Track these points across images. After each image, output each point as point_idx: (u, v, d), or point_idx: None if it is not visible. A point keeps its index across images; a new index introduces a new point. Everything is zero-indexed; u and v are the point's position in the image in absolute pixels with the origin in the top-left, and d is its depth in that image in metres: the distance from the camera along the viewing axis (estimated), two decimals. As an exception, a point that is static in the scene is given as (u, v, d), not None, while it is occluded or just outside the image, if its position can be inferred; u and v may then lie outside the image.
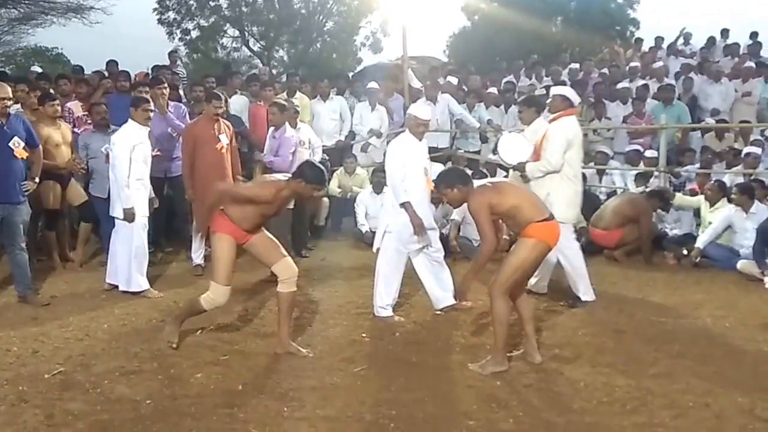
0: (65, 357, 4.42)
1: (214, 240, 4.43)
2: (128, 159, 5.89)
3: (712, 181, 7.62)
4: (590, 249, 7.68)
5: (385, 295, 5.34)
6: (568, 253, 5.60)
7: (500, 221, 4.43)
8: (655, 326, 5.01)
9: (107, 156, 6.79)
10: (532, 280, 5.19)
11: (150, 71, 9.81)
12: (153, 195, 6.37)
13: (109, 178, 6.63)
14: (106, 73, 9.52)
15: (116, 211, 6.02)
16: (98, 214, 7.05)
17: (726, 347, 4.55)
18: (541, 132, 5.74)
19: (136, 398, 3.78)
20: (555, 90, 6.02)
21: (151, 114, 6.18)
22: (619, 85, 10.50)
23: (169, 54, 12.50)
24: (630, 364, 4.30)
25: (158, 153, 6.70)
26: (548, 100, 5.93)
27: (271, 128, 7.19)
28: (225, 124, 6.92)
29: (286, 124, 7.02)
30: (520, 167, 5.76)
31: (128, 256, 5.97)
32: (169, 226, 7.76)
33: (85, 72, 9.93)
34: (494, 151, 5.98)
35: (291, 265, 4.54)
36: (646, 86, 10.32)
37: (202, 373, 4.16)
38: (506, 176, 8.68)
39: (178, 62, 12.61)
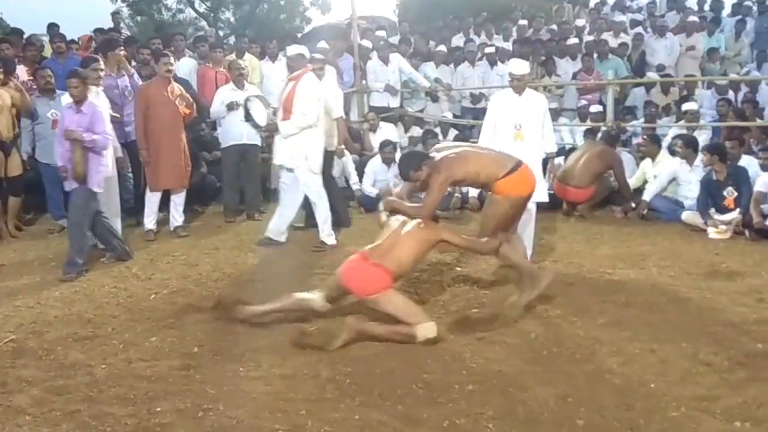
0: (16, 325, 4.35)
1: (385, 299, 4.02)
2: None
3: (644, 137, 7.80)
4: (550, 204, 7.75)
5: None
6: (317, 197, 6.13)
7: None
8: (603, 277, 5.16)
9: (54, 122, 6.66)
10: None
11: (93, 35, 9.50)
12: (120, 154, 6.34)
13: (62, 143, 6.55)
14: (48, 37, 9.20)
15: None
16: (45, 180, 6.91)
17: (671, 296, 4.70)
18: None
19: (90, 363, 3.76)
20: (293, 50, 6.18)
21: (102, 74, 6.17)
22: (569, 41, 10.57)
23: (113, 15, 12.09)
24: (579, 314, 4.41)
25: (116, 115, 6.57)
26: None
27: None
28: (179, 87, 6.82)
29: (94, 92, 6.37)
30: (272, 128, 6.07)
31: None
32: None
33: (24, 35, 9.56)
34: (246, 117, 6.21)
35: None
36: (594, 42, 10.42)
37: (156, 336, 4.15)
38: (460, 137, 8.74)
39: (122, 24, 12.20)
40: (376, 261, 4.06)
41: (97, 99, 5.99)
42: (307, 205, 6.52)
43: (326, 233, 6.19)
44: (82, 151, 5.45)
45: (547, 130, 5.70)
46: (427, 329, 3.95)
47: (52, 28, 9.40)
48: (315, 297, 4.25)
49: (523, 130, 5.46)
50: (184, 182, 6.83)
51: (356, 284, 4.09)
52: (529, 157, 5.22)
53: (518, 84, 5.52)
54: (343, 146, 7.25)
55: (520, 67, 5.56)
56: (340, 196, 7.27)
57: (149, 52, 8.11)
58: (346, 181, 8.41)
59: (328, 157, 6.89)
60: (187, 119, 6.83)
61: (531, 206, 5.32)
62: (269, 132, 6.25)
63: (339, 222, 6.85)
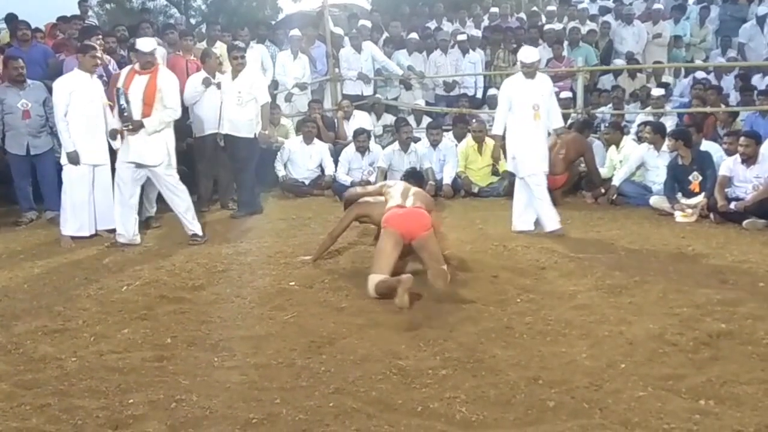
0: (-17, 319, 4.29)
1: (432, 236, 4.65)
2: (64, 104, 6.01)
3: (607, 124, 7.90)
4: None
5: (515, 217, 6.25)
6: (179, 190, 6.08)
7: None
8: (574, 261, 5.20)
9: (24, 112, 6.57)
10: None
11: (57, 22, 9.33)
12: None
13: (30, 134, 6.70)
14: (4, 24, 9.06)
15: (63, 158, 6.17)
16: (14, 171, 6.81)
17: (639, 278, 4.76)
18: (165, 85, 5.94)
19: (60, 356, 3.72)
20: (150, 44, 5.98)
21: (98, 61, 6.32)
22: (546, 27, 10.64)
23: (79, 3, 11.86)
24: (550, 298, 4.48)
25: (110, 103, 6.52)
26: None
27: None
28: None
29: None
30: (137, 125, 5.82)
31: (84, 201, 6.18)
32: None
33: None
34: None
35: None
36: (564, 29, 10.48)
37: (129, 328, 4.12)
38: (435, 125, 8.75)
39: (90, 12, 11.96)
40: (415, 206, 4.70)
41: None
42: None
43: (192, 222, 6.12)
44: None
45: (554, 108, 6.30)
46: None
47: (11, 17, 9.23)
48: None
49: (540, 110, 6.04)
50: None
51: (416, 225, 4.58)
52: (542, 134, 6.16)
53: (529, 71, 6.04)
54: (266, 131, 7.34)
55: (530, 55, 6.07)
56: (252, 181, 7.44)
57: (114, 40, 8.01)
58: (322, 170, 8.40)
59: (254, 142, 7.15)
60: None
61: (532, 180, 6.07)
62: (134, 129, 5.86)
63: (252, 207, 7.28)
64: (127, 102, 5.79)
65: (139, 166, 5.93)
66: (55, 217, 6.62)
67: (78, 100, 6.07)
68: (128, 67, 6.14)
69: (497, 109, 6.31)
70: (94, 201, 6.26)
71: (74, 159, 6.09)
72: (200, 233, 6.11)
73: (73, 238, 6.15)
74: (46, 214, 6.84)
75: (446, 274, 4.50)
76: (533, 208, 6.16)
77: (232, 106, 7.00)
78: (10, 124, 6.69)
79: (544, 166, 6.15)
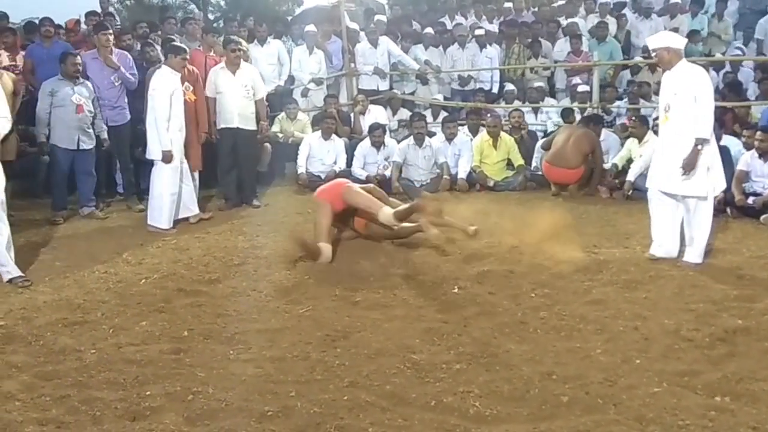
0: (5, 311, 4.35)
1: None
2: (168, 104, 6.20)
3: (634, 118, 7.85)
4: (538, 184, 7.88)
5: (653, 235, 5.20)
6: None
7: None
8: (589, 256, 5.18)
9: (78, 106, 6.60)
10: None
11: (83, 18, 9.40)
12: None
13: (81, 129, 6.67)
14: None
15: (153, 153, 6.36)
16: (56, 166, 6.75)
17: (654, 273, 4.75)
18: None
19: (80, 348, 3.77)
20: None
21: (186, 63, 6.54)
22: (569, 20, 10.59)
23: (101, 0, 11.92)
24: (565, 293, 4.47)
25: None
26: None
27: None
28: (189, 71, 6.89)
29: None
30: None
31: (166, 195, 6.37)
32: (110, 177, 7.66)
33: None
34: None
35: None
36: (574, 23, 10.42)
37: (147, 321, 4.17)
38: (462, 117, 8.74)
39: (111, 9, 12.04)
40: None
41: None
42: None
43: (8, 258, 4.91)
44: None
45: (701, 109, 4.76)
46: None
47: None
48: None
49: (671, 111, 4.90)
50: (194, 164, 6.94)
51: (332, 186, 5.52)
52: (671, 142, 4.90)
53: (657, 59, 5.06)
54: (265, 122, 7.48)
55: (653, 40, 5.07)
56: (253, 175, 7.62)
57: (129, 37, 8.06)
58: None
59: (252, 135, 7.29)
60: (198, 105, 7.01)
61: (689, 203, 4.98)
62: None
63: (247, 200, 7.35)
64: None
65: None
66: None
67: (176, 100, 6.30)
68: None
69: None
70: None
71: (168, 158, 6.28)
72: (17, 273, 4.90)
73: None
74: (83, 210, 6.89)
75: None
76: (677, 230, 5.12)
77: (241, 99, 7.10)
78: (60, 117, 6.60)
79: (689, 187, 4.89)
